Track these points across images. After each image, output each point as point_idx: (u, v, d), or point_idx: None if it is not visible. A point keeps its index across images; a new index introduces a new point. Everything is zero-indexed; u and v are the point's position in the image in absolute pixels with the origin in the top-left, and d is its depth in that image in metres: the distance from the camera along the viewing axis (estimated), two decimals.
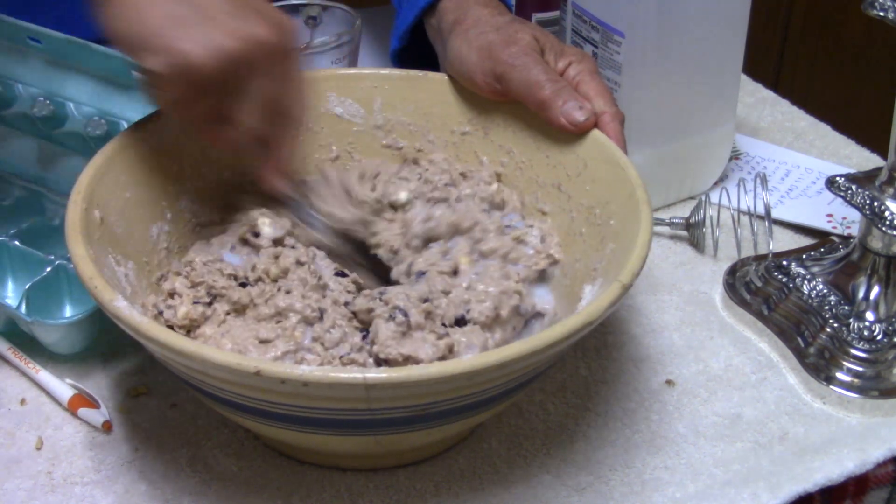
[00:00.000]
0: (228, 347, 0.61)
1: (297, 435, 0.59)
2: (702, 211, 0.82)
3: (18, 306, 0.69)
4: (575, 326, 0.55)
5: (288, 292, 0.64)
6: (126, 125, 0.75)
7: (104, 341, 0.71)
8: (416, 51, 0.83)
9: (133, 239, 0.66)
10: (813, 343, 0.72)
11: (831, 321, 0.72)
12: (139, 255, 0.66)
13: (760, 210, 0.82)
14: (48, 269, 0.71)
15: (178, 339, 0.54)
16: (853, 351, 0.70)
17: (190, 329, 0.64)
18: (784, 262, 0.77)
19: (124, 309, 0.55)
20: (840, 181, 0.72)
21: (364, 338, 0.62)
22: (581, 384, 0.70)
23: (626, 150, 0.68)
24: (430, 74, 0.76)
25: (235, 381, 0.54)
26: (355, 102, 0.76)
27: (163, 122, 0.69)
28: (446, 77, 0.76)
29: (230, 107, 0.62)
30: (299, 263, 0.66)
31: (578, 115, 0.68)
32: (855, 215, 0.80)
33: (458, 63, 0.73)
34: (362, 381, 0.52)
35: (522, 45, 0.71)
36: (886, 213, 0.69)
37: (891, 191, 0.70)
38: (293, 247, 0.68)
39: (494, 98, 0.73)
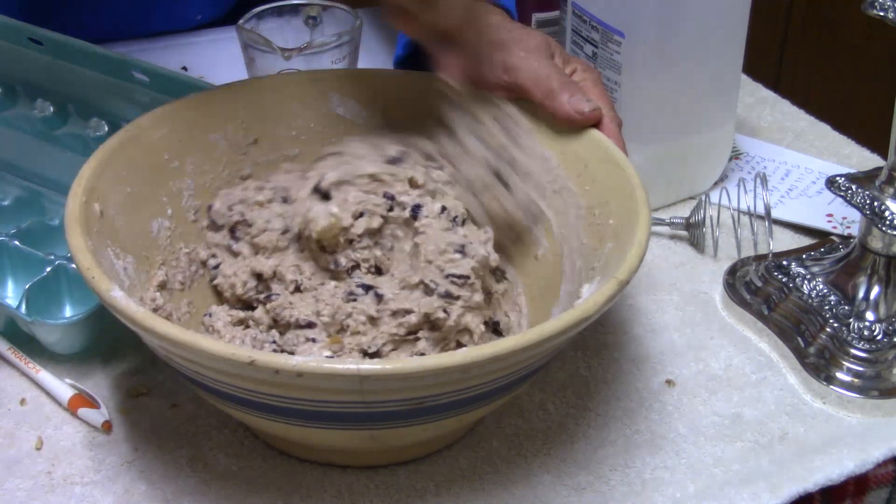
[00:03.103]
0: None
1: (291, 429, 0.59)
2: (702, 211, 0.82)
3: (18, 306, 0.69)
4: (571, 321, 0.55)
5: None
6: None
7: (104, 341, 0.71)
8: (420, 59, 0.84)
9: (133, 233, 0.66)
10: (813, 343, 0.72)
11: (831, 321, 0.72)
12: (139, 249, 0.66)
13: (760, 210, 0.82)
14: (48, 269, 0.71)
15: (173, 330, 0.53)
16: (853, 351, 0.70)
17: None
18: (784, 262, 0.77)
19: (121, 299, 0.55)
20: (840, 181, 0.72)
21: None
22: (581, 384, 0.70)
23: (626, 151, 0.69)
24: (434, 75, 0.76)
25: (230, 372, 0.54)
26: (357, 103, 0.76)
27: (164, 119, 0.69)
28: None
29: None
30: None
31: (584, 106, 0.70)
32: (855, 215, 0.80)
33: None
34: (356, 372, 0.51)
35: (534, 44, 0.73)
36: (886, 213, 0.69)
37: (891, 191, 0.70)
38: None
39: (498, 93, 0.73)
